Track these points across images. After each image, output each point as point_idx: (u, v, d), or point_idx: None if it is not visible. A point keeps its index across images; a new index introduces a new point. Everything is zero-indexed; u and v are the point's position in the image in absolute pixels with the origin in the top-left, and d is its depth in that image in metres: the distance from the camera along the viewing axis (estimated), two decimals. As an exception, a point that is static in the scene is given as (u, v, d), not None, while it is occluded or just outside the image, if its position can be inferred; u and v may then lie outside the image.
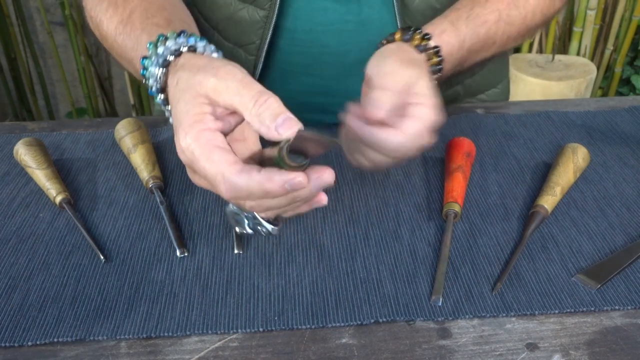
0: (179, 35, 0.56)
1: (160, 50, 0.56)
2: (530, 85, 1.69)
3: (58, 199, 0.65)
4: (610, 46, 1.97)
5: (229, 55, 0.85)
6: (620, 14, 1.92)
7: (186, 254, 0.59)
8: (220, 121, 0.50)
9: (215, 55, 0.57)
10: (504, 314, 0.53)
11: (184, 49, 0.55)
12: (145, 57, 0.57)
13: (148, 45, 0.57)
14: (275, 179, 0.47)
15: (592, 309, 0.53)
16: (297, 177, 0.47)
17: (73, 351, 0.50)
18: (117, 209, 0.65)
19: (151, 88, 0.57)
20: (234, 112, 0.51)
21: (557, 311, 0.53)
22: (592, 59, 1.99)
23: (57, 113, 2.22)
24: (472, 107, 0.84)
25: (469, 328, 0.52)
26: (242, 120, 0.51)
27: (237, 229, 0.56)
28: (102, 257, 0.59)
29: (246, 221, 0.55)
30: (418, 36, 0.65)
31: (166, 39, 0.56)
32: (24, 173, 0.70)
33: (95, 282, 0.56)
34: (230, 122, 0.51)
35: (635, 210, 0.65)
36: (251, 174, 0.47)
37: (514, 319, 0.53)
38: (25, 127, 0.81)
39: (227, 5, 0.80)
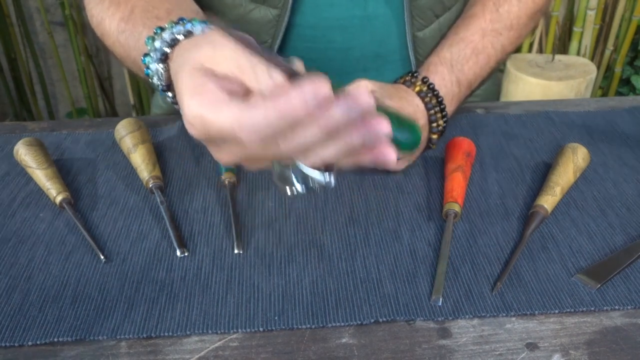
0: (176, 24, 0.53)
1: (157, 44, 0.53)
2: (530, 85, 1.69)
3: (58, 199, 0.65)
4: (610, 46, 1.97)
5: None
6: (620, 14, 1.92)
7: (186, 254, 0.59)
8: (223, 82, 0.46)
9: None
10: (504, 314, 0.53)
11: (181, 37, 0.52)
12: (145, 55, 0.55)
13: (146, 41, 0.55)
14: (293, 97, 0.40)
15: (592, 308, 0.53)
16: (319, 84, 0.40)
17: (73, 351, 0.50)
18: (117, 209, 0.65)
19: (157, 88, 0.55)
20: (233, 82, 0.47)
21: (557, 311, 0.53)
22: (592, 59, 1.99)
23: (57, 113, 2.22)
24: (472, 107, 0.84)
25: (469, 328, 0.52)
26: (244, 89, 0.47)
27: (289, 192, 0.49)
28: (102, 257, 0.59)
29: (294, 177, 0.48)
30: (418, 83, 0.71)
31: (163, 30, 0.53)
32: (24, 173, 0.70)
33: (95, 282, 0.56)
34: (237, 87, 0.47)
35: (635, 210, 0.65)
36: (266, 105, 0.41)
37: (514, 318, 0.53)
38: (25, 127, 0.81)
39: (238, 6, 0.80)
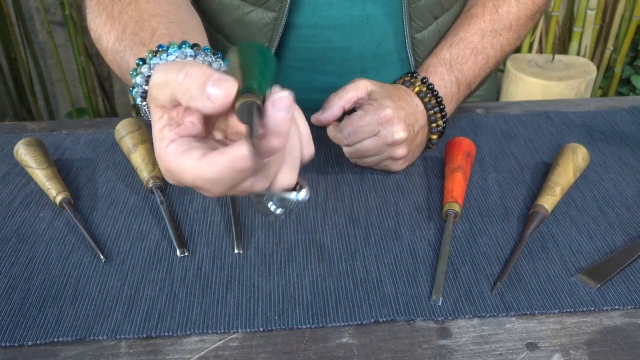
0: (154, 54, 0.53)
1: (138, 79, 0.54)
2: (530, 85, 1.69)
3: (58, 198, 0.65)
4: (610, 46, 1.97)
5: None
6: (620, 14, 1.92)
7: (186, 254, 0.59)
8: (177, 127, 0.46)
9: (190, 59, 0.53)
10: (504, 314, 0.53)
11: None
12: (132, 87, 0.55)
13: (131, 74, 0.55)
14: (239, 154, 0.41)
15: (592, 308, 0.53)
16: (240, 148, 0.41)
17: (73, 351, 0.50)
18: (117, 209, 0.65)
19: (145, 118, 0.55)
20: (185, 108, 0.46)
21: (557, 311, 0.53)
22: (592, 59, 1.99)
23: (57, 113, 2.22)
24: (472, 107, 0.84)
25: (469, 328, 0.52)
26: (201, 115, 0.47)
27: (268, 214, 0.49)
28: (102, 257, 0.59)
29: (270, 203, 0.49)
30: (417, 83, 0.72)
31: (143, 62, 0.54)
32: (24, 173, 0.70)
33: (95, 282, 0.56)
34: (193, 122, 0.46)
35: (635, 210, 0.65)
36: (216, 160, 0.42)
37: (514, 318, 0.53)
38: (25, 127, 0.81)
39: (235, 8, 0.80)
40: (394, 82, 0.74)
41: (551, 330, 0.52)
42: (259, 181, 0.45)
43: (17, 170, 0.71)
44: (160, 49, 0.54)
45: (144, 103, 0.54)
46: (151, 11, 0.63)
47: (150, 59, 0.54)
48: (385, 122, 0.66)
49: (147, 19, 0.62)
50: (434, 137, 0.72)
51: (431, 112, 0.70)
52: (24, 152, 0.69)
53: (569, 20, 1.99)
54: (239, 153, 0.41)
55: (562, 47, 2.03)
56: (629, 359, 0.49)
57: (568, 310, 0.53)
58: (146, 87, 0.53)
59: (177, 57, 0.53)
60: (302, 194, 0.48)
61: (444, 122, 0.72)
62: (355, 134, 0.66)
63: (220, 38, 0.86)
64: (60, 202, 0.64)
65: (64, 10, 1.87)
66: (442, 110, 0.71)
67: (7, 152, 0.74)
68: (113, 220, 0.64)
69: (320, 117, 0.68)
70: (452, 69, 0.74)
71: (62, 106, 2.22)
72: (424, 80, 0.71)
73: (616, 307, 0.53)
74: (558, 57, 1.79)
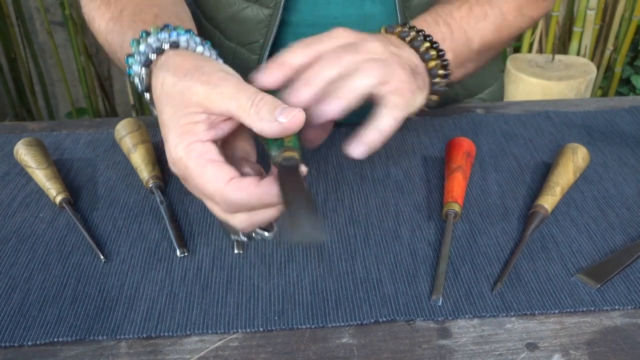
0: (161, 30, 0.53)
1: (142, 47, 0.53)
2: (530, 85, 1.69)
3: (58, 198, 0.65)
4: (610, 46, 1.97)
5: (231, 55, 0.85)
6: (620, 14, 1.92)
7: (186, 254, 0.59)
8: (212, 129, 0.48)
9: (200, 49, 0.54)
10: (504, 314, 0.53)
11: (166, 46, 0.53)
12: (129, 56, 0.55)
13: (131, 43, 0.55)
14: (273, 192, 0.45)
15: (592, 308, 0.53)
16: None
17: (73, 351, 0.50)
18: (117, 209, 0.65)
19: (137, 87, 0.55)
20: (228, 118, 0.49)
21: (557, 311, 0.53)
22: (592, 59, 1.99)
23: (57, 113, 2.23)
24: (472, 107, 0.84)
25: (469, 328, 0.52)
26: (237, 125, 0.50)
27: (232, 236, 0.54)
28: (102, 257, 0.59)
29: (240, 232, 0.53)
30: (413, 33, 0.62)
31: (148, 35, 0.54)
32: (24, 173, 0.70)
33: (95, 282, 0.56)
34: (224, 129, 0.49)
35: (635, 210, 0.65)
36: (249, 190, 0.46)
37: (514, 318, 0.53)
38: (25, 127, 0.81)
39: (231, 4, 0.80)
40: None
41: (551, 330, 0.52)
42: (256, 216, 0.49)
43: (17, 170, 0.71)
44: (168, 28, 0.54)
45: (144, 70, 0.53)
46: (149, 1, 0.64)
47: (157, 32, 0.53)
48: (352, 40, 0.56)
49: (148, 6, 0.63)
50: (434, 97, 0.62)
51: (422, 49, 0.60)
52: (24, 152, 0.69)
53: (569, 20, 1.99)
54: (272, 190, 0.45)
55: (562, 47, 2.03)
56: (629, 359, 0.49)
57: (568, 310, 0.53)
58: (152, 57, 0.53)
59: (187, 39, 0.53)
60: (268, 235, 0.52)
61: (447, 72, 0.62)
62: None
63: (217, 34, 0.86)
64: (60, 202, 0.64)
65: (64, 10, 1.87)
66: (441, 56, 0.61)
67: (7, 152, 0.74)
68: (113, 220, 0.64)
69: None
70: (437, 13, 0.66)
71: (62, 106, 2.22)
72: (411, 27, 0.62)
73: (616, 307, 0.53)
74: (558, 57, 1.79)
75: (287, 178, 0.46)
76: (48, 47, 2.06)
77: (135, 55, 0.54)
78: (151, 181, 0.66)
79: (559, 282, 0.56)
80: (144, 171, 0.67)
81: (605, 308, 0.53)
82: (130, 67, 0.55)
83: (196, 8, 0.90)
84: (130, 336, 0.51)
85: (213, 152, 0.47)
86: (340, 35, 0.56)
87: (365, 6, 0.78)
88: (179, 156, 0.47)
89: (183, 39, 0.53)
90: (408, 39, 0.61)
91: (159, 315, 0.53)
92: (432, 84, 0.62)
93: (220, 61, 0.55)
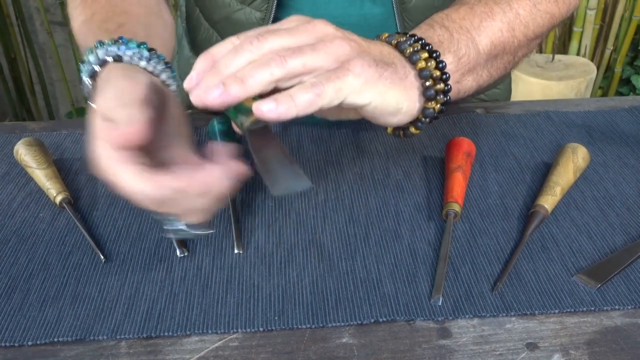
0: (114, 42, 0.55)
1: (91, 58, 0.55)
2: (530, 85, 1.69)
3: (58, 198, 0.65)
4: (610, 46, 1.97)
5: None
6: (620, 14, 1.92)
7: (186, 254, 0.59)
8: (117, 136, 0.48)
9: (143, 63, 0.55)
10: (504, 314, 0.53)
11: (109, 59, 0.54)
12: (82, 62, 0.56)
13: (87, 51, 0.56)
14: (196, 179, 0.48)
15: (592, 308, 0.53)
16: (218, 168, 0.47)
17: (73, 351, 0.50)
18: (117, 209, 0.65)
19: (87, 95, 0.56)
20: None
21: (557, 311, 0.53)
22: (592, 59, 1.99)
23: (57, 113, 2.23)
24: (472, 107, 0.84)
25: (469, 328, 0.52)
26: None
27: (171, 235, 0.55)
28: (102, 257, 0.59)
29: (170, 223, 0.53)
30: (400, 38, 0.57)
31: (102, 46, 0.55)
32: (24, 173, 0.70)
33: (95, 282, 0.56)
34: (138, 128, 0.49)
35: (635, 210, 0.65)
36: (163, 180, 0.48)
37: (514, 318, 0.53)
38: (25, 127, 0.81)
39: (225, 5, 0.80)
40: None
41: (551, 330, 0.52)
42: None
43: (17, 170, 0.71)
44: (120, 41, 0.56)
45: (89, 81, 0.55)
46: (122, 8, 0.65)
47: (109, 45, 0.55)
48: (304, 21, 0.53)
49: (117, 14, 0.64)
50: (433, 105, 0.57)
51: (409, 50, 0.55)
52: (24, 152, 0.69)
53: (569, 20, 1.99)
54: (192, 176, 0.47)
55: (562, 47, 2.03)
56: (629, 359, 0.49)
57: (568, 310, 0.53)
58: (97, 68, 0.54)
59: (133, 54, 0.55)
60: (200, 230, 0.53)
61: (440, 69, 0.56)
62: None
63: (214, 34, 0.86)
64: (60, 202, 0.64)
65: (64, 10, 1.87)
66: (428, 49, 0.56)
67: (7, 152, 0.74)
68: (113, 220, 0.64)
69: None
70: (432, 19, 0.61)
71: (62, 106, 2.22)
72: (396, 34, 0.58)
73: (616, 307, 0.53)
74: (558, 57, 1.79)
75: (258, 139, 0.48)
76: (48, 47, 2.06)
77: (86, 65, 0.56)
78: (151, 181, 0.66)
79: (559, 282, 0.56)
80: (144, 171, 0.67)
81: (605, 308, 0.53)
82: (81, 72, 0.57)
83: (195, 7, 0.90)
84: (130, 336, 0.51)
85: (124, 155, 0.48)
86: (291, 20, 0.53)
87: (365, 6, 0.78)
88: (98, 157, 0.49)
89: (128, 54, 0.55)
90: (394, 41, 0.57)
91: (159, 315, 0.53)
92: (426, 89, 0.56)
93: (165, 74, 0.57)
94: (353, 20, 0.78)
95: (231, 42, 0.51)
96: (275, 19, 0.78)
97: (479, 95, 0.93)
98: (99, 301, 0.54)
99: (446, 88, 0.57)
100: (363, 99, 0.51)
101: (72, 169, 0.72)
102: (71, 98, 2.10)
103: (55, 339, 0.51)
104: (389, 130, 0.62)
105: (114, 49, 0.55)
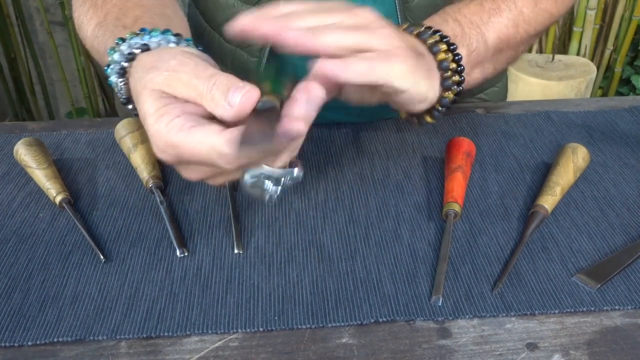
0: (135, 35, 0.53)
1: (116, 56, 0.53)
2: (530, 85, 1.69)
3: (58, 198, 0.65)
4: (610, 46, 1.97)
5: (231, 57, 0.85)
6: (620, 14, 1.92)
7: (186, 254, 0.59)
8: (185, 106, 0.46)
9: (172, 45, 0.53)
10: (504, 314, 0.53)
11: (137, 51, 0.52)
12: (108, 65, 0.54)
13: (109, 52, 0.54)
14: (280, 136, 0.43)
15: (592, 309, 0.53)
16: (295, 123, 0.43)
17: (73, 351, 0.50)
18: (117, 209, 0.65)
19: (120, 98, 0.54)
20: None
21: (557, 311, 0.53)
22: (592, 59, 1.99)
23: (57, 113, 2.23)
24: (472, 107, 0.84)
25: (469, 328, 0.52)
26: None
27: (264, 197, 0.51)
28: (102, 257, 0.59)
29: (267, 183, 0.49)
30: (420, 28, 0.60)
31: (123, 42, 0.53)
32: (24, 173, 0.70)
33: (95, 282, 0.56)
34: (199, 109, 0.47)
35: (635, 210, 0.65)
36: (242, 131, 0.44)
37: (514, 318, 0.53)
38: (25, 127, 0.81)
39: (230, 7, 0.80)
40: None
41: (551, 330, 0.52)
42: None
43: (17, 170, 0.71)
44: (142, 32, 0.53)
45: (120, 80, 0.53)
46: (136, 2, 0.63)
47: (131, 38, 0.53)
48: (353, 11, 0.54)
49: (131, 8, 0.62)
50: (450, 95, 0.60)
51: (430, 41, 0.59)
52: (23, 152, 0.69)
53: (569, 20, 1.99)
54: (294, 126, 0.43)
55: (562, 47, 2.03)
56: (629, 359, 0.49)
57: (568, 310, 0.53)
58: (125, 64, 0.52)
59: (160, 40, 0.52)
60: (296, 172, 0.48)
61: (457, 61, 0.59)
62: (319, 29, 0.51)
63: (216, 36, 0.86)
64: (60, 202, 0.64)
65: (64, 10, 1.87)
66: (441, 36, 0.59)
67: (7, 152, 0.74)
68: (113, 220, 0.64)
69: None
70: (445, 12, 0.64)
71: (62, 106, 2.22)
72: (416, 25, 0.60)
73: (616, 307, 0.53)
74: (558, 57, 1.79)
75: (257, 121, 0.45)
76: (48, 47, 2.06)
77: (112, 65, 0.53)
78: (151, 181, 0.66)
79: (559, 282, 0.56)
80: (144, 171, 0.67)
81: (605, 308, 0.53)
82: (109, 77, 0.54)
83: (196, 9, 0.90)
84: (130, 336, 0.51)
85: (193, 119, 0.45)
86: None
87: (366, 5, 0.78)
88: (163, 139, 0.45)
89: (154, 41, 0.52)
90: (415, 32, 0.59)
91: (159, 315, 0.53)
92: (444, 80, 0.59)
93: (196, 50, 0.53)
94: None
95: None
96: None
97: (479, 93, 0.93)
98: (99, 301, 0.54)
99: (460, 79, 0.59)
100: (404, 85, 0.53)
101: (72, 169, 0.72)
102: (71, 98, 2.10)
103: (55, 339, 0.51)
104: (402, 115, 0.63)
105: (137, 40, 0.52)
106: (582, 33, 1.90)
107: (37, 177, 0.67)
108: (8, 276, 0.57)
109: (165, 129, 0.45)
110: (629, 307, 0.53)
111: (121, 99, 0.54)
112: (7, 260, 0.59)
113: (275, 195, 0.50)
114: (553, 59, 1.77)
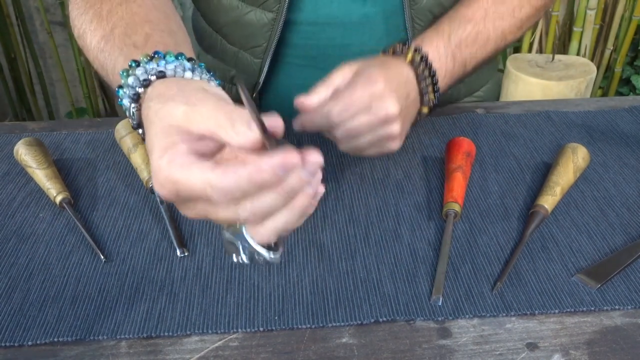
0: (150, 59, 0.52)
1: (130, 80, 0.52)
2: (530, 85, 1.69)
3: (58, 198, 0.65)
4: (610, 46, 1.97)
5: (234, 59, 0.84)
6: (620, 14, 1.92)
7: (186, 254, 0.59)
8: (194, 146, 0.46)
9: (188, 75, 0.53)
10: (504, 314, 0.53)
11: (152, 78, 0.52)
12: (120, 87, 0.54)
13: (121, 74, 0.54)
14: (264, 166, 0.42)
15: (592, 308, 0.53)
16: (289, 155, 0.42)
17: (73, 351, 0.50)
18: (117, 209, 0.65)
19: (131, 122, 0.53)
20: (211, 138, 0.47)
21: (557, 311, 0.53)
22: (592, 59, 1.99)
23: (57, 113, 2.23)
24: (472, 107, 0.84)
25: (469, 328, 0.52)
26: (220, 144, 0.48)
27: (234, 258, 0.50)
28: (102, 257, 0.59)
29: (241, 249, 0.49)
30: (410, 52, 0.67)
31: (137, 65, 0.53)
32: (24, 173, 0.70)
33: (95, 282, 0.56)
34: (209, 145, 0.47)
35: (635, 210, 0.65)
36: (237, 170, 0.42)
37: (514, 318, 0.53)
38: (25, 127, 0.81)
39: (234, 8, 0.80)
40: (384, 51, 0.70)
41: (551, 330, 0.52)
42: (264, 204, 0.44)
43: (17, 170, 0.71)
44: (157, 55, 0.53)
45: (132, 105, 0.52)
46: (143, 16, 0.62)
47: (146, 62, 0.52)
48: (377, 96, 0.61)
49: (139, 23, 0.61)
50: (425, 109, 0.68)
51: (423, 84, 0.66)
52: (24, 152, 0.69)
53: (569, 20, 1.99)
54: (262, 165, 0.41)
55: (562, 47, 2.03)
56: (629, 359, 0.49)
57: (568, 310, 0.53)
58: (140, 90, 0.52)
59: (175, 67, 0.52)
60: (269, 256, 0.47)
61: (435, 97, 0.68)
62: (347, 111, 0.61)
63: (219, 38, 0.86)
64: (60, 202, 0.64)
65: (64, 10, 1.87)
66: (435, 83, 0.67)
67: (7, 152, 0.74)
68: (113, 220, 0.64)
69: (305, 100, 0.63)
70: (449, 42, 0.70)
71: (62, 106, 2.22)
72: (417, 49, 0.67)
73: (616, 307, 0.53)
74: (558, 57, 1.79)
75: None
76: (48, 47, 2.06)
77: (125, 88, 0.53)
78: (151, 181, 0.66)
79: (559, 282, 0.56)
80: (144, 171, 0.67)
81: (605, 308, 0.53)
82: (121, 99, 0.54)
83: (197, 11, 0.90)
84: (130, 336, 0.51)
85: (194, 156, 0.45)
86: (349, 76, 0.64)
87: (367, 5, 0.78)
88: (164, 174, 0.45)
89: (170, 68, 0.52)
90: (418, 71, 0.66)
91: (159, 315, 0.53)
92: (420, 110, 0.67)
93: (213, 83, 0.53)
94: (355, 19, 0.78)
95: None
96: (287, 21, 0.78)
97: (476, 92, 0.94)
98: (99, 301, 0.54)
99: (435, 101, 0.69)
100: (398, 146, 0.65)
101: (72, 169, 0.72)
102: (71, 98, 2.10)
103: (55, 339, 0.51)
104: None
105: (153, 65, 0.52)
106: (582, 33, 1.89)
107: (37, 177, 0.67)
108: (8, 276, 0.57)
109: (167, 165, 0.45)
110: (629, 307, 0.53)
111: (132, 124, 0.53)
112: (7, 260, 0.59)
113: (245, 263, 0.50)
114: (553, 59, 1.77)
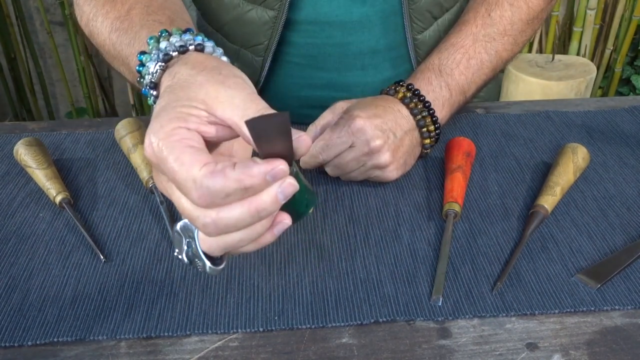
0: (184, 32, 0.52)
1: (162, 45, 0.51)
2: (530, 85, 1.69)
3: (58, 198, 0.65)
4: (610, 46, 1.97)
5: (235, 57, 0.85)
6: (620, 14, 1.92)
7: (186, 254, 0.59)
8: (205, 127, 0.44)
9: (224, 58, 0.52)
10: (504, 314, 0.53)
11: (191, 47, 0.50)
12: (143, 52, 0.52)
13: (148, 40, 0.52)
14: (254, 171, 0.40)
15: (592, 308, 0.53)
16: (279, 164, 0.41)
17: (73, 351, 0.50)
18: (117, 209, 0.65)
19: (145, 86, 0.52)
20: (227, 127, 0.45)
21: (557, 311, 0.53)
22: (592, 59, 1.99)
23: (57, 113, 2.23)
24: (472, 107, 0.84)
25: (469, 328, 0.52)
26: (235, 136, 0.46)
27: (176, 252, 0.49)
28: (102, 257, 0.59)
29: (185, 248, 0.47)
30: (401, 90, 0.70)
31: (170, 35, 0.51)
32: (24, 173, 0.70)
33: (95, 282, 0.56)
34: (220, 132, 0.45)
35: (635, 210, 0.65)
36: (226, 173, 0.40)
37: (514, 318, 0.53)
38: (25, 127, 0.81)
39: (235, 6, 0.80)
40: (380, 93, 0.72)
41: (551, 330, 0.52)
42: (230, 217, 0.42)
43: (17, 170, 0.71)
44: (190, 31, 0.52)
45: (159, 64, 0.50)
46: (161, 3, 0.62)
47: (181, 34, 0.51)
48: (357, 132, 0.64)
49: (159, 7, 0.61)
50: (427, 141, 0.70)
51: (419, 116, 0.68)
52: (23, 152, 0.69)
53: (569, 20, 1.99)
54: (253, 170, 0.40)
55: (562, 47, 2.03)
56: (629, 359, 0.49)
57: (568, 310, 0.53)
58: (174, 54, 0.50)
59: (213, 46, 0.51)
60: (215, 268, 0.46)
61: (436, 128, 0.70)
62: (329, 147, 0.65)
63: (219, 37, 0.86)
64: (60, 202, 0.64)
65: (64, 10, 1.87)
66: (432, 114, 0.69)
67: (7, 152, 0.74)
68: (113, 220, 0.64)
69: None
70: (441, 73, 0.72)
71: (62, 106, 2.22)
72: (409, 87, 0.70)
73: (616, 307, 0.53)
74: (558, 57, 1.79)
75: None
76: (48, 47, 2.06)
77: (153, 52, 0.51)
78: (151, 181, 0.66)
79: (559, 282, 0.56)
80: (144, 171, 0.67)
81: (605, 308, 0.53)
82: (143, 64, 0.52)
83: (197, 10, 0.90)
84: (130, 336, 0.51)
85: (196, 140, 0.43)
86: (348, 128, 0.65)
87: (367, 4, 0.78)
88: (159, 138, 0.43)
89: (209, 45, 0.52)
90: (411, 105, 0.69)
91: (159, 315, 0.53)
92: (422, 133, 0.70)
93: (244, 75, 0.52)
94: (355, 19, 0.78)
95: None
96: (287, 19, 0.78)
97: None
98: (99, 301, 0.54)
99: (435, 128, 0.71)
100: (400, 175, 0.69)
101: (72, 169, 0.72)
102: (71, 98, 2.10)
103: (55, 339, 0.51)
104: None
105: (190, 37, 0.51)
106: (582, 33, 1.89)
107: (37, 177, 0.67)
108: (8, 276, 0.57)
109: (168, 130, 0.43)
110: (629, 307, 0.53)
111: (147, 86, 0.51)
112: (7, 260, 0.59)
113: (183, 262, 0.48)
114: (553, 59, 1.77)
